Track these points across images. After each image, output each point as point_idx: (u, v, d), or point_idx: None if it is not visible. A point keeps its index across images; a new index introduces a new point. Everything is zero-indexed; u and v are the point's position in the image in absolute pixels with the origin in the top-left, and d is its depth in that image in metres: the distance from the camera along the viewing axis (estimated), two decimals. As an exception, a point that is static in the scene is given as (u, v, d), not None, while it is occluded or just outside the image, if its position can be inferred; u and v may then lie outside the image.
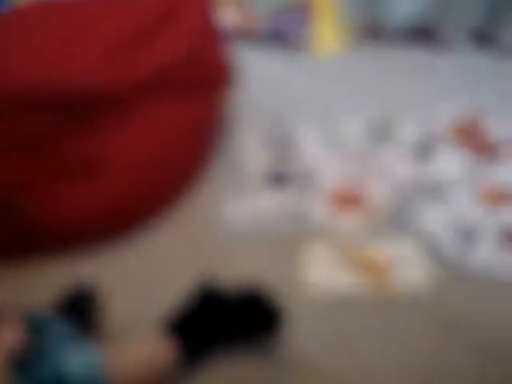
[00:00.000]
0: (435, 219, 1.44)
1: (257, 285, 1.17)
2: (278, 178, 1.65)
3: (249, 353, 1.14)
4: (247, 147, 1.79)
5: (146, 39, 1.55)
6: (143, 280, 1.34)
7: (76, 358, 0.98)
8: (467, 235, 1.39)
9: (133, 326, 1.20)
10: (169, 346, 1.07)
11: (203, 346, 1.11)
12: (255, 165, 1.70)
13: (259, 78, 2.19)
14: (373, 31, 2.52)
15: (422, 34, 2.46)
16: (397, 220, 1.48)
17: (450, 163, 1.64)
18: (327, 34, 2.49)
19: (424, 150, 1.71)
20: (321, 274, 1.32)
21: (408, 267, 1.33)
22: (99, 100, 1.44)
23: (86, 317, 1.17)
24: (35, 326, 1.00)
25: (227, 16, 2.45)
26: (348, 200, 1.54)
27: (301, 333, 1.17)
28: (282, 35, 2.49)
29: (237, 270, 1.32)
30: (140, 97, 1.50)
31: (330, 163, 1.67)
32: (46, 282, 1.32)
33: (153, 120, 1.53)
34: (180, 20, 1.62)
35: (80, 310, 1.18)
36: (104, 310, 1.22)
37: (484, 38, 2.36)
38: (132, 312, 1.24)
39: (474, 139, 1.74)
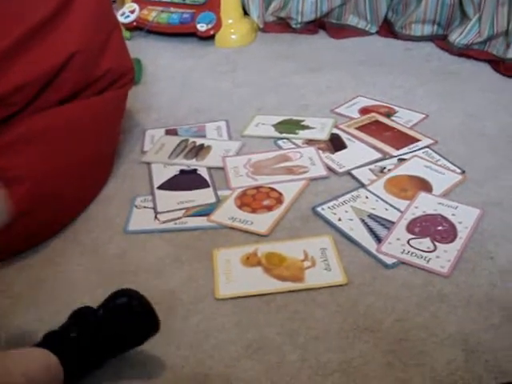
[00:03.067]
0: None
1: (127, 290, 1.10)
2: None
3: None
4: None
5: (34, 40, 1.47)
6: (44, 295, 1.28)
7: None
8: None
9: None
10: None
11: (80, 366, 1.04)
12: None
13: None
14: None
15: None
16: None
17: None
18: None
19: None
20: (234, 277, 1.28)
21: (325, 263, 1.30)
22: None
23: None
24: None
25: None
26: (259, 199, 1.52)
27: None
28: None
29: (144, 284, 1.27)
30: (28, 102, 1.45)
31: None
32: None
33: (44, 125, 1.45)
34: (71, 15, 1.55)
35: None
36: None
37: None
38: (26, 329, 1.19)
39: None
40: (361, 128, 1.81)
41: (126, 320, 1.06)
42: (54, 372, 1.00)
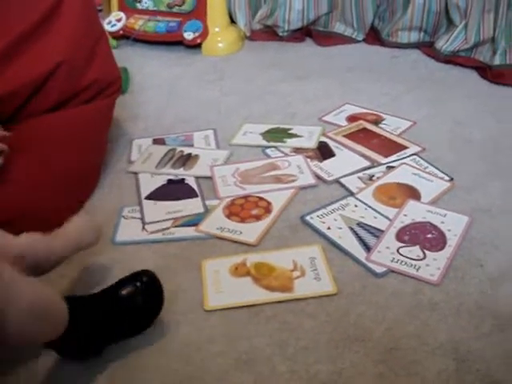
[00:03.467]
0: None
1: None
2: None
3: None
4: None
5: (22, 48, 1.48)
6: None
7: None
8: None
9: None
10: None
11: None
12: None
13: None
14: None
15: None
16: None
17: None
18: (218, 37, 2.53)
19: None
20: (223, 288, 1.27)
21: (315, 273, 1.29)
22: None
23: None
24: None
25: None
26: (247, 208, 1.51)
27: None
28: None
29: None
30: (15, 111, 1.46)
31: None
32: None
33: (30, 135, 1.46)
34: (56, 25, 1.55)
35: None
36: None
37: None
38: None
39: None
40: (349, 136, 1.81)
41: (132, 288, 1.14)
42: (61, 313, 1.00)
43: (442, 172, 1.61)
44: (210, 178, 1.63)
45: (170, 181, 1.64)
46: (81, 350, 1.09)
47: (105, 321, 1.10)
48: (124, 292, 1.13)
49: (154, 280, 1.17)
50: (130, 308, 1.13)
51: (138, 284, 1.15)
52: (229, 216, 1.48)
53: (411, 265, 1.29)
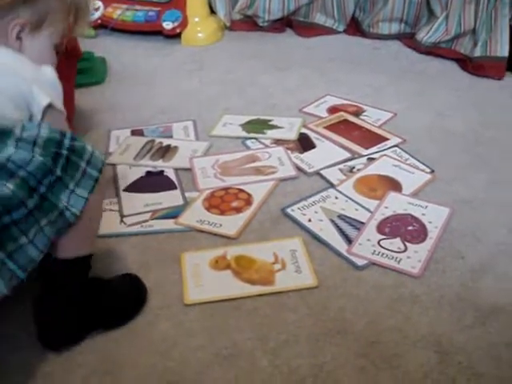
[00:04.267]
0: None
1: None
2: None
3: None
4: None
5: None
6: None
7: None
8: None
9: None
10: None
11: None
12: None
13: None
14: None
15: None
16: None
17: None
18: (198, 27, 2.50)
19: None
20: (203, 281, 1.25)
21: (296, 266, 1.28)
22: None
23: None
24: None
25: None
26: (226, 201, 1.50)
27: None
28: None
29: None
30: None
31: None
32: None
33: None
34: None
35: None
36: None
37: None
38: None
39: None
40: (329, 127, 1.80)
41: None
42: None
43: (423, 164, 1.60)
44: (189, 169, 1.61)
45: (148, 173, 1.61)
46: (67, 332, 1.10)
47: (87, 307, 1.11)
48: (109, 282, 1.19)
49: (138, 279, 1.22)
50: (114, 297, 1.16)
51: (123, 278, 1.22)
52: (208, 208, 1.46)
53: (392, 257, 1.29)
